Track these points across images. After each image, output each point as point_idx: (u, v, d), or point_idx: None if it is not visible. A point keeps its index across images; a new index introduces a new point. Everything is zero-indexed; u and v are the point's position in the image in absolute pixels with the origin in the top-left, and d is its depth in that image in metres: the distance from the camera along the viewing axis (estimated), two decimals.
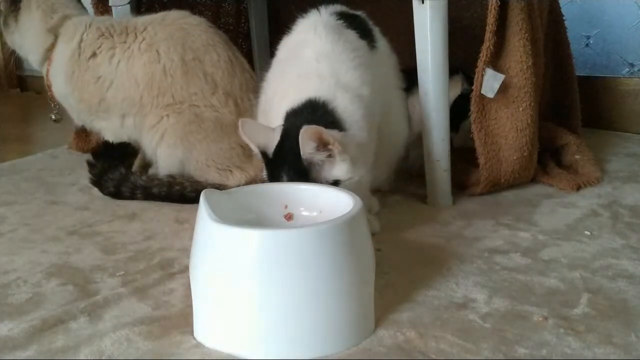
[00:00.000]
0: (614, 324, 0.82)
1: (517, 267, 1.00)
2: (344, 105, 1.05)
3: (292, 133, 0.99)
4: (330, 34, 1.14)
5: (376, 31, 1.27)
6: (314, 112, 1.04)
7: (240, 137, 1.04)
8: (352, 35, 1.18)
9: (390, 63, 1.29)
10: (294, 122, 1.01)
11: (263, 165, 1.06)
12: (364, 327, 0.80)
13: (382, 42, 1.27)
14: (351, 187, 0.98)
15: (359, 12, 1.28)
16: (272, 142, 1.01)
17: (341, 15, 1.21)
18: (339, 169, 1.00)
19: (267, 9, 2.13)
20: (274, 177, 1.02)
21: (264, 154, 1.03)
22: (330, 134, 0.96)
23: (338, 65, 1.10)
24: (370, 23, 1.28)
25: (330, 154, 0.98)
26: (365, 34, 1.22)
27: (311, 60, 1.11)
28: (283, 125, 1.03)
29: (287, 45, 1.23)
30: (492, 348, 0.77)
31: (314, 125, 0.95)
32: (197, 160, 1.41)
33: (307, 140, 0.96)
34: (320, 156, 0.98)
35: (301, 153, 0.97)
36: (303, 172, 0.99)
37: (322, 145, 0.97)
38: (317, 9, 1.22)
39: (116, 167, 1.42)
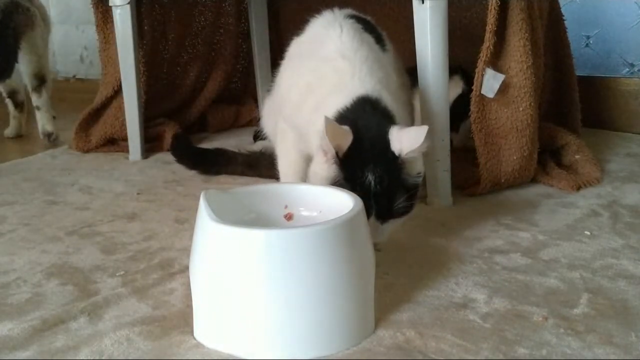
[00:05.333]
0: (614, 324, 0.82)
1: (517, 267, 1.00)
2: (390, 103, 1.05)
3: (370, 132, 0.98)
4: (356, 35, 1.15)
5: (385, 35, 1.28)
6: (375, 110, 1.03)
7: (323, 141, 0.97)
8: (369, 38, 1.19)
9: (398, 66, 1.29)
10: (363, 121, 1.00)
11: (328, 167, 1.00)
12: (364, 327, 0.80)
13: (390, 46, 1.27)
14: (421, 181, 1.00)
15: (367, 17, 1.29)
16: (345, 142, 0.97)
17: (354, 18, 1.22)
18: (420, 163, 1.00)
19: (267, 9, 2.13)
20: (354, 177, 0.97)
21: (337, 153, 0.98)
22: None
23: (371, 63, 1.10)
24: (379, 28, 1.29)
25: None
26: (378, 38, 1.23)
27: (338, 58, 1.10)
28: (349, 124, 0.99)
29: (302, 44, 1.23)
30: (492, 348, 0.77)
31: (424, 126, 0.95)
32: None
33: (425, 142, 0.94)
34: (417, 153, 0.97)
35: (403, 152, 0.95)
36: (397, 170, 0.97)
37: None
38: (332, 10, 1.23)
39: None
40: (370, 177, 0.96)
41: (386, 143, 0.96)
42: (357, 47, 1.12)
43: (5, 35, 2.03)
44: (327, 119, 0.95)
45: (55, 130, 2.08)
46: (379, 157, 0.96)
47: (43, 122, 2.08)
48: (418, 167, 0.99)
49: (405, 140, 0.95)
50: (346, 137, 0.97)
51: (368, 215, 0.94)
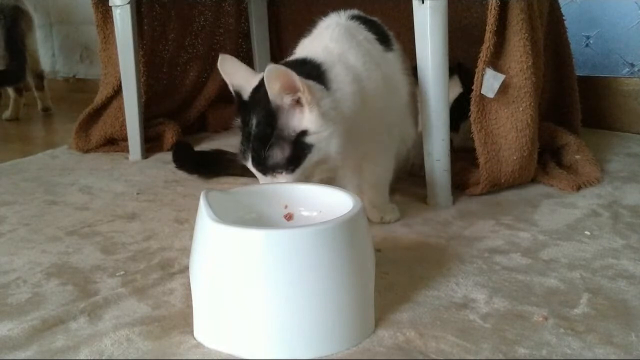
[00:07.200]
0: (614, 324, 0.82)
1: (517, 267, 1.00)
2: (338, 73, 1.04)
3: None
4: (348, 30, 1.16)
5: (392, 36, 1.28)
6: (303, 65, 1.03)
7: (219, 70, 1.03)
8: (369, 35, 1.20)
9: (405, 67, 1.29)
10: None
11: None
12: (364, 327, 0.80)
13: (397, 47, 1.27)
14: (320, 146, 0.97)
15: (375, 18, 1.29)
16: (249, 85, 1.00)
17: (359, 19, 1.23)
18: (308, 119, 0.96)
19: (267, 9, 2.13)
20: (244, 119, 1.00)
21: (238, 95, 1.01)
22: (301, 80, 0.93)
23: (348, 53, 1.11)
24: (386, 28, 1.29)
25: (298, 101, 0.95)
26: (383, 39, 1.23)
27: (325, 40, 1.13)
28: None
29: (307, 44, 1.23)
30: (492, 348, 0.77)
31: (284, 67, 0.93)
32: None
33: (272, 79, 0.92)
34: (287, 100, 0.95)
35: (268, 94, 0.94)
36: (271, 116, 0.96)
37: (290, 89, 0.94)
38: (337, 12, 1.24)
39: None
40: (253, 121, 0.97)
41: None
42: (341, 38, 1.13)
43: (15, 41, 2.29)
44: (222, 55, 0.99)
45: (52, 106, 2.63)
46: (264, 103, 0.96)
47: (44, 102, 2.62)
48: (304, 123, 0.96)
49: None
50: (250, 79, 1.00)
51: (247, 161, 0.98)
